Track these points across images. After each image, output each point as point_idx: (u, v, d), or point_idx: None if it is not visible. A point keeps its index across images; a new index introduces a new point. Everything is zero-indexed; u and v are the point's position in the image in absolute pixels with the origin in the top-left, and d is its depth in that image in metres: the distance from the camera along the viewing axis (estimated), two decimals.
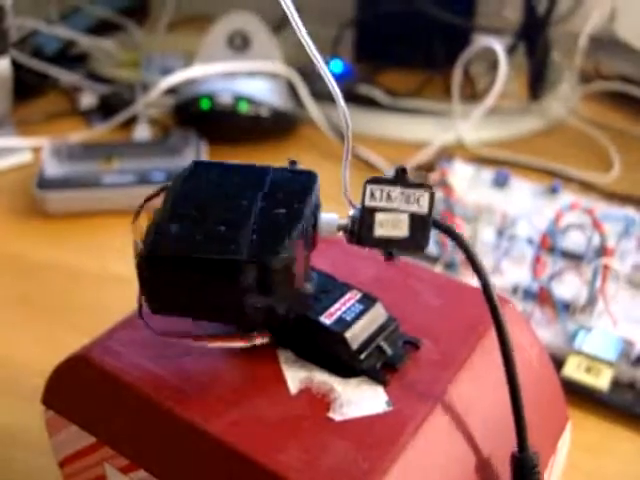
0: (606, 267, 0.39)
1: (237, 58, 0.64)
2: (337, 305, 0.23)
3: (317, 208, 0.23)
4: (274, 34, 0.67)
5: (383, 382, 0.22)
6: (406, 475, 0.19)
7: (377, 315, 0.24)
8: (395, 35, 0.74)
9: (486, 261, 0.44)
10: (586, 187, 0.56)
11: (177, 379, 0.22)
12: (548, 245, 0.42)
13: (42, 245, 0.49)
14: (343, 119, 0.21)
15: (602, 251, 0.39)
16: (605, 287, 0.39)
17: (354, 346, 0.23)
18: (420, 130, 0.64)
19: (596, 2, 0.67)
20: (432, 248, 0.45)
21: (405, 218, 0.21)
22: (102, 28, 0.79)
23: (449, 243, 0.44)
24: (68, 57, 0.75)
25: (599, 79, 0.72)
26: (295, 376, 0.23)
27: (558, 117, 0.67)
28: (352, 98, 0.67)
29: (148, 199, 0.22)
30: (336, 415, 0.21)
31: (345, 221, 0.22)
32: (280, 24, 0.76)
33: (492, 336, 0.25)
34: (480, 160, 0.58)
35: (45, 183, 0.52)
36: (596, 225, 0.40)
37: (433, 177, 0.53)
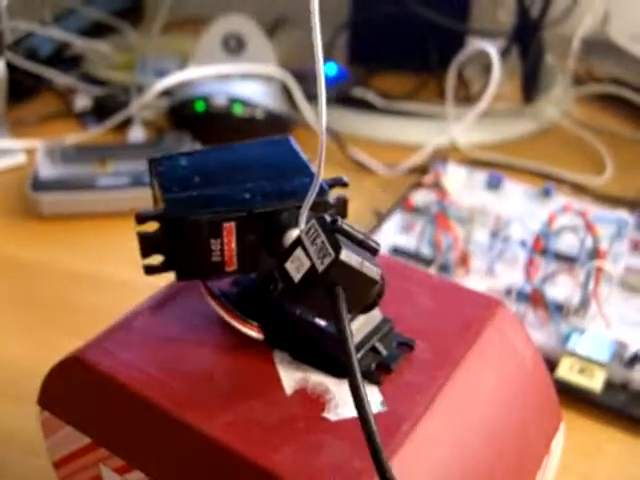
0: (599, 269, 0.39)
1: (232, 60, 0.64)
2: None
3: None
4: (269, 36, 0.67)
5: (377, 382, 0.22)
6: (400, 475, 0.20)
7: (372, 316, 0.24)
8: (389, 38, 0.74)
9: (480, 263, 0.44)
10: (579, 189, 0.56)
11: (172, 380, 0.22)
12: (541, 247, 0.42)
13: (36, 247, 0.49)
14: (320, 128, 0.20)
15: (595, 253, 0.39)
16: (598, 289, 0.39)
17: None
18: (414, 132, 0.64)
19: (589, 5, 0.67)
20: (426, 250, 0.45)
21: (307, 266, 0.20)
22: (97, 30, 0.79)
23: (443, 245, 0.44)
24: (62, 59, 0.75)
25: (592, 82, 0.72)
26: (290, 377, 0.23)
27: (551, 120, 0.68)
28: (346, 101, 0.67)
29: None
30: (331, 415, 0.21)
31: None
32: (274, 26, 0.77)
33: (486, 336, 0.25)
34: (474, 162, 0.59)
35: (39, 185, 0.52)
36: (589, 227, 0.40)
37: (427, 179, 0.53)
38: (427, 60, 0.73)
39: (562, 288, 0.41)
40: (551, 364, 0.36)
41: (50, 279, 0.46)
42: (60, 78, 0.70)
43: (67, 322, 0.41)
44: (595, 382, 0.36)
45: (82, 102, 0.68)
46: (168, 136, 0.59)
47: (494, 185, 0.54)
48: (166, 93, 0.63)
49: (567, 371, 0.36)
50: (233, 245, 0.22)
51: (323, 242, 0.20)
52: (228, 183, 0.23)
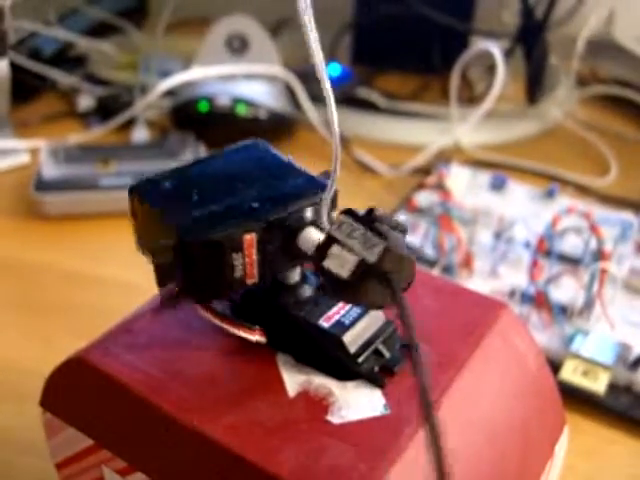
0: (603, 271, 0.39)
1: (235, 61, 0.64)
2: (335, 309, 0.23)
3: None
4: (272, 37, 0.67)
5: (381, 385, 0.22)
6: (404, 478, 0.20)
7: (375, 318, 0.24)
8: (393, 38, 0.74)
9: (483, 264, 0.44)
10: (583, 191, 0.56)
11: (175, 382, 0.22)
12: (545, 248, 0.42)
13: (39, 247, 0.49)
14: (333, 129, 0.20)
15: (599, 255, 0.39)
16: (602, 291, 0.39)
17: (352, 349, 0.23)
18: (418, 133, 0.64)
19: (594, 6, 0.67)
20: (430, 251, 0.45)
21: (353, 260, 0.20)
22: (100, 30, 0.79)
23: (447, 246, 0.44)
24: (66, 59, 0.75)
25: (596, 83, 0.72)
26: (293, 379, 0.23)
27: (555, 121, 0.68)
28: (350, 101, 0.67)
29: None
30: (334, 418, 0.21)
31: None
32: (278, 27, 0.77)
33: (490, 340, 0.25)
34: (477, 163, 0.58)
35: (43, 185, 0.52)
36: (593, 229, 0.40)
37: (430, 180, 0.53)
38: (431, 61, 0.73)
39: (566, 290, 0.41)
40: (555, 366, 0.36)
41: (53, 279, 0.46)
42: (64, 78, 0.70)
43: (70, 323, 0.41)
44: (599, 384, 0.36)
45: (86, 102, 0.68)
46: (172, 136, 0.59)
47: (498, 186, 0.53)
48: (170, 93, 0.63)
49: (571, 373, 0.36)
50: (254, 257, 0.22)
51: (364, 234, 0.20)
52: (228, 195, 0.22)
